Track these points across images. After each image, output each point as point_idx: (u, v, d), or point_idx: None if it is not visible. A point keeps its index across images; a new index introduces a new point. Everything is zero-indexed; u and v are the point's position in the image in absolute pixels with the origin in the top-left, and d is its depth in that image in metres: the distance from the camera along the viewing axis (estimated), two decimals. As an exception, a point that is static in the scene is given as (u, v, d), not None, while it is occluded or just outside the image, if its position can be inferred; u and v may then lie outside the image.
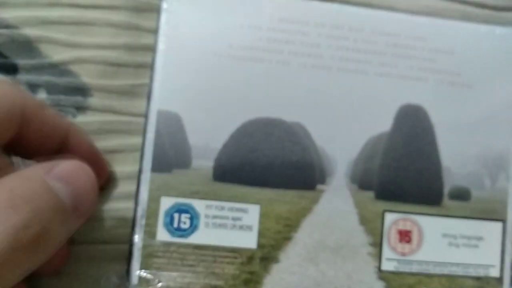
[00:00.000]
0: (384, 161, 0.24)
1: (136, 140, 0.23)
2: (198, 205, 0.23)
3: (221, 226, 0.23)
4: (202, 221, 0.23)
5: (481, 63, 0.25)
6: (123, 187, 0.23)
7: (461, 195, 0.25)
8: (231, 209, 0.23)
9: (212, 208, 0.23)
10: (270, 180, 0.23)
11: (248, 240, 0.23)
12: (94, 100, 0.23)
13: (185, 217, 0.23)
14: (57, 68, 0.23)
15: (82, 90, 0.23)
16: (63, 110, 0.23)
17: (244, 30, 0.24)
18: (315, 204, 0.24)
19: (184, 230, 0.23)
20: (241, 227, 0.23)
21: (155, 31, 0.23)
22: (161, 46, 0.23)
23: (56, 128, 0.20)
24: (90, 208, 0.19)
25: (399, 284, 0.24)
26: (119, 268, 0.23)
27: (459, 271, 0.24)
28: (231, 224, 0.23)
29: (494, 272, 0.24)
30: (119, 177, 0.23)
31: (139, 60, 0.24)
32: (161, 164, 0.23)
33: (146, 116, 0.23)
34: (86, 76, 0.23)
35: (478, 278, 0.24)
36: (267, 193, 0.23)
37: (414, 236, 0.24)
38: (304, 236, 0.23)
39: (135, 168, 0.23)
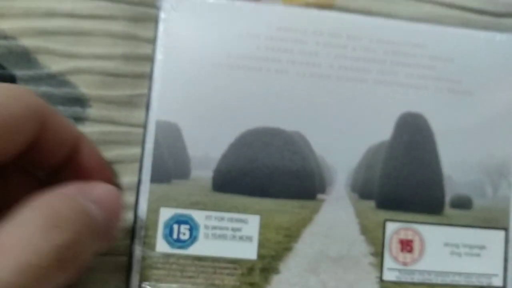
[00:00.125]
0: (384, 170, 0.24)
1: (135, 150, 0.23)
2: (198, 216, 0.23)
3: (221, 237, 0.23)
4: (201, 232, 0.23)
5: (481, 70, 0.25)
6: (122, 198, 0.23)
7: (462, 203, 0.24)
8: (230, 220, 0.23)
9: (211, 219, 0.23)
10: (269, 190, 0.23)
11: (248, 251, 0.23)
12: (92, 111, 0.23)
13: (184, 228, 0.22)
14: (55, 78, 0.23)
15: (80, 101, 0.23)
16: (61, 121, 0.23)
17: (242, 39, 0.24)
18: (315, 214, 0.24)
19: (184, 241, 0.22)
20: (241, 238, 0.23)
21: (153, 41, 0.23)
22: (159, 56, 0.23)
23: (69, 135, 0.20)
24: (117, 232, 0.20)
25: (401, 294, 0.23)
26: (118, 280, 0.22)
27: (461, 280, 0.24)
28: (231, 235, 0.23)
29: (497, 281, 0.24)
30: (118, 188, 0.23)
31: (138, 70, 0.24)
32: (160, 175, 0.23)
33: (145, 126, 0.23)
34: (85, 86, 0.23)
35: None
36: (267, 203, 0.23)
37: (416, 246, 0.24)
38: (304, 246, 0.23)
39: (134, 179, 0.23)
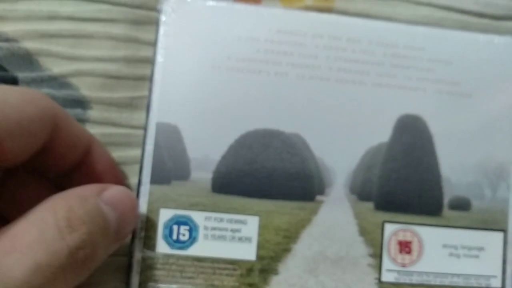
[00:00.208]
0: (383, 172, 0.24)
1: (135, 152, 0.23)
2: (197, 217, 0.23)
3: (220, 238, 0.23)
4: (201, 233, 0.23)
5: (480, 72, 0.25)
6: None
7: (461, 205, 0.24)
8: (230, 221, 0.23)
9: (211, 220, 0.23)
10: (269, 191, 0.23)
11: (247, 252, 0.23)
12: (93, 113, 0.23)
13: (184, 229, 0.23)
14: (56, 80, 0.23)
15: (81, 103, 0.23)
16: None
17: (242, 42, 0.24)
18: (314, 215, 0.24)
19: (183, 242, 0.23)
20: (240, 239, 0.23)
21: (153, 44, 0.24)
22: (159, 58, 0.23)
23: (81, 138, 0.20)
24: (129, 234, 0.20)
25: (400, 295, 0.23)
26: (118, 280, 0.23)
27: (460, 282, 0.24)
28: (230, 236, 0.23)
29: (496, 283, 0.24)
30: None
31: (138, 73, 0.24)
32: (160, 176, 0.23)
33: (145, 128, 0.23)
34: (86, 88, 0.23)
35: (479, 289, 0.24)
36: (266, 204, 0.23)
37: (414, 247, 0.24)
38: (303, 247, 0.23)
39: (134, 180, 0.23)
